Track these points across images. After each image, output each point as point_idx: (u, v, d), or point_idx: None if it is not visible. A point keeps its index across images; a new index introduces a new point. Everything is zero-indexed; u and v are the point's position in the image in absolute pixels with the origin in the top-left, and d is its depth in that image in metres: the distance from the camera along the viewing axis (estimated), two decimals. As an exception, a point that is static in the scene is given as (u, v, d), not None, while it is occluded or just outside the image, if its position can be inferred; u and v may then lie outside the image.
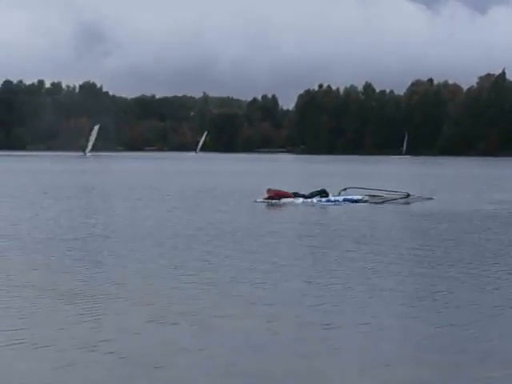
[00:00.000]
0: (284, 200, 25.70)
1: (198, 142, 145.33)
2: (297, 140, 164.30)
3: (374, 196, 26.31)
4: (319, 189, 26.60)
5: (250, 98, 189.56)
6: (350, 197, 25.92)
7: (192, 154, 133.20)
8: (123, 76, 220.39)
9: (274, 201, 25.64)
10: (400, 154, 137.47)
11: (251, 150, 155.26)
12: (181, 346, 7.68)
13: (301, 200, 25.87)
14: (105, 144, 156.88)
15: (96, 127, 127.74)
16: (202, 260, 13.02)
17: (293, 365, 7.13)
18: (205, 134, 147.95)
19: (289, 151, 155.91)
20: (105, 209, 23.87)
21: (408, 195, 26.13)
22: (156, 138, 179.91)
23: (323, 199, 25.86)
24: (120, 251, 14.05)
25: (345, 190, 26.68)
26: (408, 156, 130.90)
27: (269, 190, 26.29)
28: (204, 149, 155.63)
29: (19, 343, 7.67)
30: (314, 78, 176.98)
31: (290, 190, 26.76)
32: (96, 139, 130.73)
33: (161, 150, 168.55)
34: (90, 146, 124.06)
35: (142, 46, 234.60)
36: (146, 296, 9.95)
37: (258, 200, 25.93)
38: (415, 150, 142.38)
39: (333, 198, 25.85)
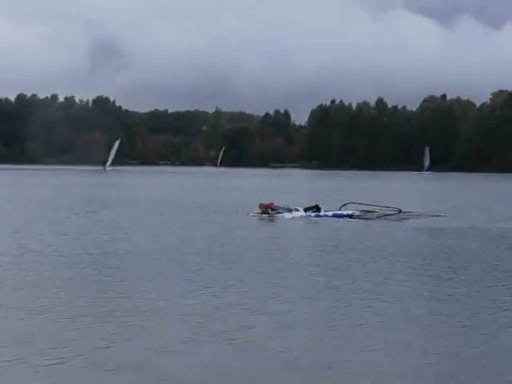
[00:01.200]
0: (276, 214, 26.13)
1: (218, 156, 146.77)
2: (309, 155, 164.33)
3: (365, 211, 26.48)
4: (313, 204, 26.95)
5: (262, 113, 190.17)
6: (339, 212, 26.21)
7: (213, 168, 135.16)
8: (136, 90, 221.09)
9: (266, 215, 26.15)
10: (421, 169, 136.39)
11: (263, 165, 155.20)
12: (220, 366, 7.77)
13: (291, 215, 26.18)
14: (118, 158, 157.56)
15: (117, 142, 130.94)
16: (221, 277, 13.11)
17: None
18: (223, 148, 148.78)
19: (301, 166, 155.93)
20: (131, 224, 23.86)
21: (400, 211, 26.32)
22: (168, 152, 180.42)
23: (313, 214, 26.16)
24: (137, 269, 14.14)
25: (345, 205, 26.92)
26: (430, 172, 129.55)
27: (261, 205, 26.87)
28: (216, 163, 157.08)
29: (55, 363, 7.76)
30: (326, 94, 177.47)
31: (283, 205, 27.13)
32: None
33: (173, 164, 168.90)
34: (110, 161, 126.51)
35: (155, 61, 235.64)
36: (179, 315, 10.03)
37: (251, 214, 26.62)
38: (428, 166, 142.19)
39: (322, 213, 26.10)
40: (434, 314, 10.43)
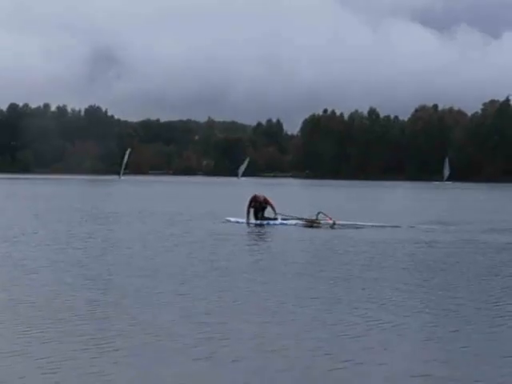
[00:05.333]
0: (243, 220, 28.56)
1: (239, 167, 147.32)
2: (301, 165, 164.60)
3: (305, 220, 28.35)
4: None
5: (254, 123, 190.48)
6: (285, 221, 28.33)
7: (235, 179, 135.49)
8: (129, 100, 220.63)
9: (234, 220, 28.70)
10: (441, 179, 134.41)
11: (255, 174, 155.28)
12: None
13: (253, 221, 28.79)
14: (109, 167, 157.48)
15: (127, 151, 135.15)
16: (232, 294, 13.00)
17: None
18: (247, 159, 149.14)
19: (293, 176, 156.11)
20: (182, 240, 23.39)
21: (334, 223, 27.65)
22: (160, 161, 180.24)
23: (265, 222, 28.50)
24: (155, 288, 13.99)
25: (319, 213, 28.33)
26: (450, 182, 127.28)
27: (255, 197, 29.10)
28: (210, 173, 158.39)
29: None
30: (319, 104, 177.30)
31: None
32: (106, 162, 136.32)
33: (166, 173, 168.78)
34: (122, 170, 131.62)
35: (149, 71, 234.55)
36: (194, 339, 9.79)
37: (228, 219, 29.15)
38: (418, 175, 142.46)
39: (271, 222, 28.38)
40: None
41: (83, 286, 13.23)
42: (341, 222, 27.82)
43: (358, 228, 27.16)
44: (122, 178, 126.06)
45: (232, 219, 29.02)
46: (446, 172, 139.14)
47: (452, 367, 8.23)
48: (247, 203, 28.97)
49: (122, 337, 9.33)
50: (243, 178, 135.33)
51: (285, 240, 23.34)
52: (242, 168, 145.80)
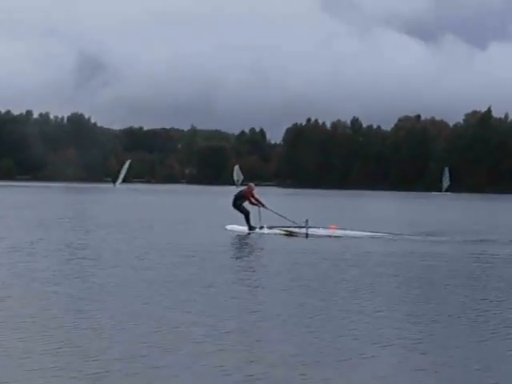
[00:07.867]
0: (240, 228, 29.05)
1: (236, 176, 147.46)
2: (284, 174, 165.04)
3: (284, 228, 28.72)
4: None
5: (238, 132, 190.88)
6: (267, 230, 28.70)
7: (233, 187, 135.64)
8: (113, 108, 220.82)
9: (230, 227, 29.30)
10: (440, 190, 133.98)
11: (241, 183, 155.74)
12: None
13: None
14: (91, 175, 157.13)
15: (127, 162, 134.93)
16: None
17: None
18: (236, 166, 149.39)
19: (276, 185, 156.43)
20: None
21: (307, 233, 27.80)
22: (143, 169, 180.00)
23: (251, 231, 28.80)
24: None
25: (307, 221, 28.41)
26: (449, 193, 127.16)
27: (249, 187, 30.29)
28: (192, 181, 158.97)
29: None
30: (304, 112, 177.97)
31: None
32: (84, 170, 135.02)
33: (148, 182, 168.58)
34: (120, 179, 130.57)
35: (133, 79, 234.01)
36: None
37: (227, 228, 29.48)
38: (402, 185, 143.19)
39: (256, 230, 28.72)
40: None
41: (98, 296, 13.31)
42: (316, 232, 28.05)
43: (336, 237, 27.28)
44: (118, 186, 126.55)
45: (229, 227, 29.44)
46: (446, 183, 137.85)
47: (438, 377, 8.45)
48: (255, 198, 29.60)
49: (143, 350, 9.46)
50: (241, 187, 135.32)
51: (285, 251, 23.50)
52: (238, 177, 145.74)
